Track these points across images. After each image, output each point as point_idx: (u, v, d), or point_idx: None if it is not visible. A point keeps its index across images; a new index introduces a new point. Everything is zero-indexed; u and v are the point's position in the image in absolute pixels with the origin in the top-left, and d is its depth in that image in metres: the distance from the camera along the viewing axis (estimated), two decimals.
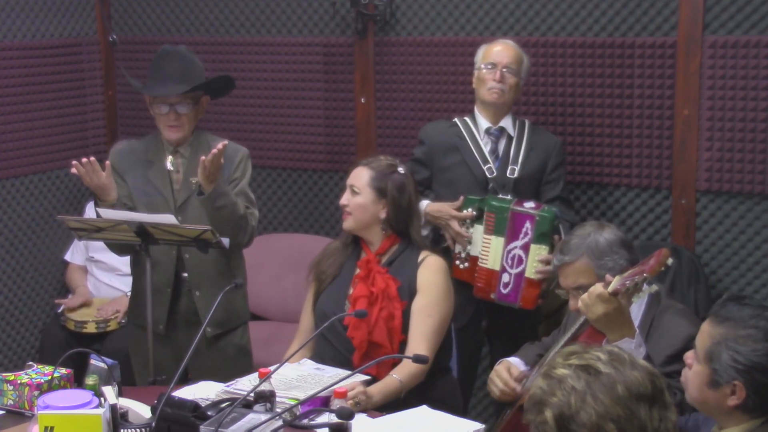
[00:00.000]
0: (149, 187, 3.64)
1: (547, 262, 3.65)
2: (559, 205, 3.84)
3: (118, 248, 3.71)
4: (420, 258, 3.30)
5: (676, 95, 3.97)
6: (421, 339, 3.18)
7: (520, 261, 3.68)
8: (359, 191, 3.31)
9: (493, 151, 3.88)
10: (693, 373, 2.26)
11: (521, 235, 3.67)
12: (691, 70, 3.92)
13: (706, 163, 3.95)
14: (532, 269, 3.66)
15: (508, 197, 3.77)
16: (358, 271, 3.32)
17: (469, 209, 3.76)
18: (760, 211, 3.91)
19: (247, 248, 3.75)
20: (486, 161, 3.84)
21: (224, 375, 3.18)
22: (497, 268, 3.71)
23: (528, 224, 3.65)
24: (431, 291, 3.25)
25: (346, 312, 3.20)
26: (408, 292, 3.25)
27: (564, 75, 4.18)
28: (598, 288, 2.72)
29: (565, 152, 4.05)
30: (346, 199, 3.34)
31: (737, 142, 3.89)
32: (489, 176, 3.82)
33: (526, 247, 3.67)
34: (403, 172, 3.35)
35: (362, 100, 4.63)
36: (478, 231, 3.76)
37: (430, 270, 3.28)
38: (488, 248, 3.73)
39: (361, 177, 3.33)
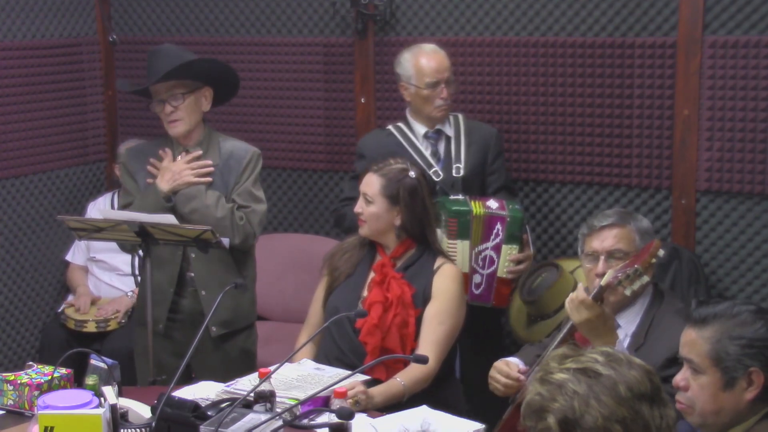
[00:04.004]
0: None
1: (518, 261, 3.77)
2: (505, 195, 3.92)
3: (130, 246, 3.71)
4: (436, 265, 3.29)
5: (676, 95, 3.97)
6: (431, 345, 3.17)
7: (492, 261, 3.74)
8: (372, 200, 3.29)
9: (434, 154, 3.93)
10: (700, 387, 2.24)
11: (492, 237, 3.72)
12: (691, 70, 3.92)
13: (706, 163, 3.95)
14: (503, 269, 3.73)
15: (460, 197, 3.79)
16: (373, 275, 3.30)
17: None
18: (760, 211, 3.91)
19: (247, 247, 3.73)
20: (430, 165, 3.86)
21: (227, 376, 3.18)
22: (466, 270, 3.71)
23: (499, 226, 3.72)
24: (445, 298, 3.24)
25: (363, 312, 3.18)
26: (422, 299, 3.24)
27: (564, 75, 4.18)
28: (581, 294, 2.75)
29: (503, 140, 4.12)
30: (360, 207, 3.32)
31: (737, 142, 3.89)
32: (436, 179, 3.83)
33: (497, 248, 3.73)
34: (414, 175, 3.32)
35: (362, 100, 4.63)
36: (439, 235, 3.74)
37: (446, 278, 3.27)
38: (455, 253, 3.70)
39: (372, 185, 3.30)
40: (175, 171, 3.56)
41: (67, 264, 4.89)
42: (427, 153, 3.91)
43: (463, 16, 4.38)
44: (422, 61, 3.90)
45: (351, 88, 4.66)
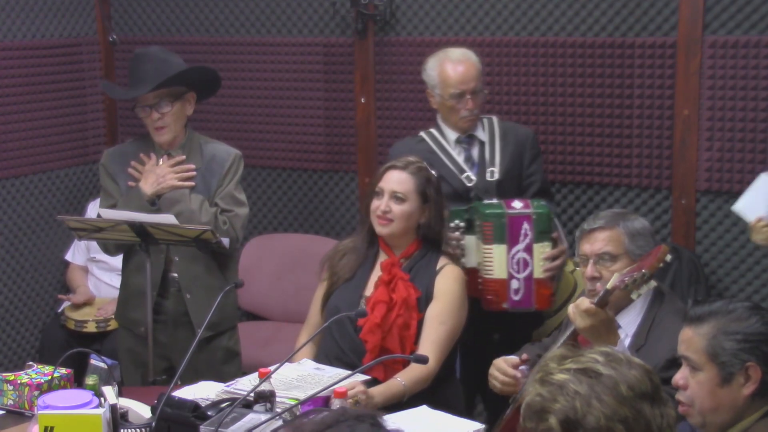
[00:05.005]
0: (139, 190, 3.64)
1: (553, 258, 3.61)
2: (543, 199, 3.76)
3: (113, 247, 3.71)
4: (439, 266, 3.29)
5: (676, 95, 3.97)
6: (431, 345, 3.17)
7: (526, 264, 3.57)
8: (405, 198, 3.24)
9: (468, 159, 3.79)
10: (698, 384, 2.25)
11: (521, 238, 3.57)
12: (691, 70, 3.92)
13: (706, 163, 3.95)
14: (539, 269, 3.57)
15: (495, 201, 3.65)
16: (380, 273, 3.28)
17: (456, 222, 3.62)
18: None
19: (239, 248, 3.73)
20: (462, 170, 3.74)
21: (212, 377, 3.18)
22: (504, 276, 3.57)
23: (526, 225, 3.57)
24: (447, 299, 3.24)
25: (363, 312, 3.17)
26: (425, 302, 3.24)
27: (564, 75, 4.18)
28: (584, 303, 2.75)
29: (538, 142, 3.98)
30: (387, 205, 3.25)
31: (737, 142, 3.89)
32: (469, 185, 3.72)
33: (528, 249, 3.57)
34: (435, 173, 3.33)
35: (362, 100, 4.63)
36: (470, 242, 3.63)
37: (448, 278, 3.26)
38: (491, 258, 3.57)
39: (404, 183, 3.26)
40: (159, 174, 3.56)
41: (67, 264, 4.88)
42: (460, 158, 3.77)
43: (463, 16, 4.38)
44: (447, 70, 3.74)
45: (351, 88, 4.66)
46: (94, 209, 4.81)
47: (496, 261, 3.57)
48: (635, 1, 4.03)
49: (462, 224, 3.64)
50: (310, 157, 4.83)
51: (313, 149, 4.81)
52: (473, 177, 3.74)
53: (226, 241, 3.46)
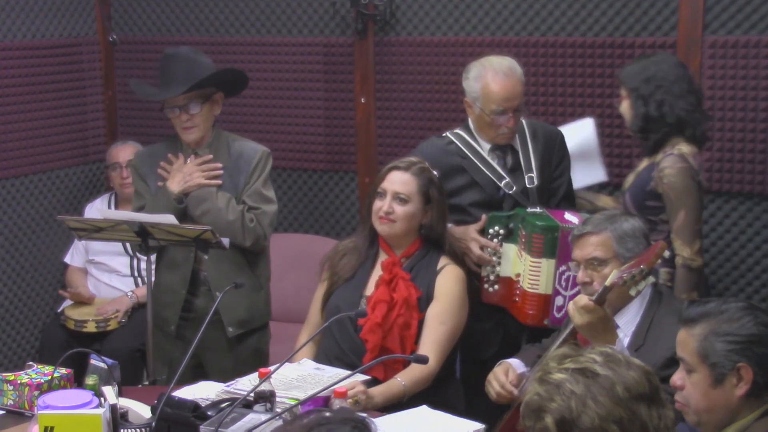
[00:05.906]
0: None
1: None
2: (567, 205, 3.64)
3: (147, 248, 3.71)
4: (439, 266, 3.29)
5: None
6: (432, 345, 3.17)
7: (575, 282, 3.26)
8: (409, 199, 3.24)
9: (503, 166, 3.59)
10: (692, 385, 2.25)
11: None
12: (691, 70, 3.92)
13: (706, 163, 3.94)
14: None
15: (538, 210, 3.48)
16: (380, 272, 3.29)
17: (495, 228, 3.49)
18: (760, 211, 3.91)
19: (259, 248, 3.71)
20: (501, 177, 3.54)
21: (239, 376, 3.18)
22: (549, 292, 3.38)
23: None
24: (447, 299, 3.24)
25: (363, 312, 3.16)
26: (426, 301, 3.24)
27: (564, 75, 4.18)
28: (583, 299, 2.76)
29: (565, 144, 3.82)
30: (390, 206, 3.24)
31: (737, 142, 3.89)
32: (509, 192, 3.53)
33: None
34: (437, 174, 3.33)
35: (362, 100, 4.63)
36: (509, 251, 3.48)
37: (449, 279, 3.27)
38: (538, 272, 3.38)
39: (408, 184, 3.25)
40: (186, 173, 3.59)
41: (66, 266, 4.88)
42: (495, 163, 3.56)
43: (463, 16, 4.38)
44: (491, 86, 3.47)
45: (351, 88, 4.66)
46: (92, 210, 4.81)
47: (543, 275, 3.39)
48: (635, 1, 4.03)
49: (501, 231, 3.50)
50: (310, 157, 4.83)
51: (313, 149, 4.81)
52: (512, 184, 3.54)
53: (225, 241, 3.46)
